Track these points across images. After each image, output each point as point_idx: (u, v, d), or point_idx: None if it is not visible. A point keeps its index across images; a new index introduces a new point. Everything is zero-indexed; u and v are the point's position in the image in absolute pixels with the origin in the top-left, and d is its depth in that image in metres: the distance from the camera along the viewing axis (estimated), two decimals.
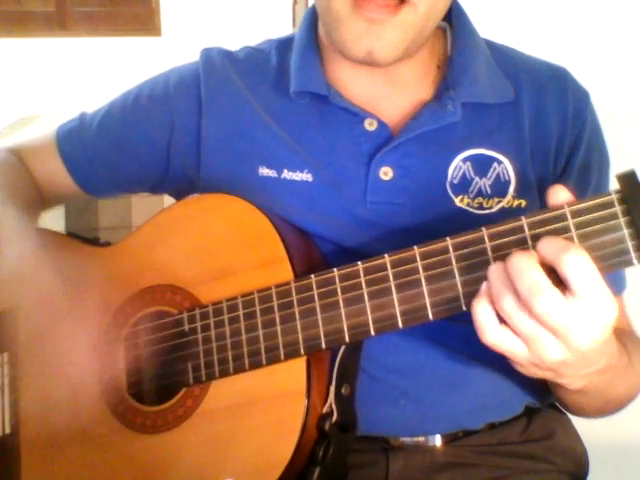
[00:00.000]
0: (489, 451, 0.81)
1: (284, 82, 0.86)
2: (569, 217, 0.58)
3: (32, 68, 3.57)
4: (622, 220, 0.57)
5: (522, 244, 0.60)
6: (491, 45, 0.87)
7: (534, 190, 0.81)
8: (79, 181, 0.95)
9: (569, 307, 0.56)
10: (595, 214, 0.57)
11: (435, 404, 0.80)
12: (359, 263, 0.67)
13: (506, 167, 0.80)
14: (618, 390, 0.74)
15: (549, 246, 0.57)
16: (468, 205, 0.79)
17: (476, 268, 0.62)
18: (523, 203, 0.80)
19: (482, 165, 0.80)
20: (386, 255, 0.66)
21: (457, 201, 0.80)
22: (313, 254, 0.80)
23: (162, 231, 0.83)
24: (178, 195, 0.95)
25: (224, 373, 0.73)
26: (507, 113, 0.82)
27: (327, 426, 0.70)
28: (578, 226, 0.58)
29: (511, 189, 0.80)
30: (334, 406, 0.71)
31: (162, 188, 0.96)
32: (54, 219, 1.79)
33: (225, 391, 0.73)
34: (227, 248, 0.77)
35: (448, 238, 0.63)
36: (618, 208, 0.57)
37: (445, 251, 0.63)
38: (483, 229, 0.62)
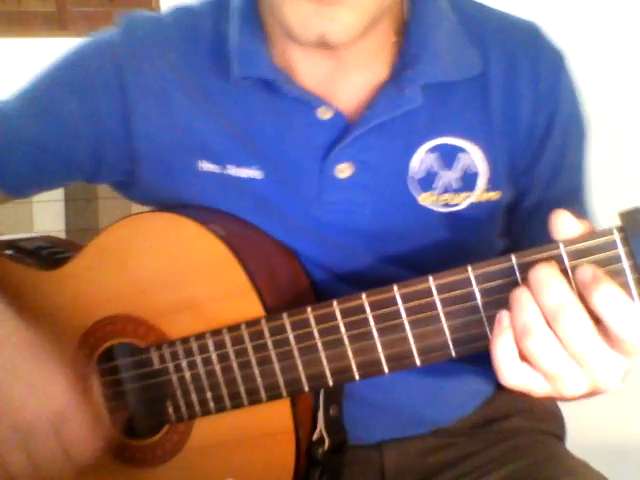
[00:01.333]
0: (478, 424, 0.81)
1: (222, 59, 0.73)
2: (566, 260, 0.50)
3: (32, 68, 3.54)
4: (625, 264, 0.49)
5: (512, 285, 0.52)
6: (455, 2, 0.76)
7: (507, 179, 0.73)
8: None
9: (600, 337, 0.49)
10: (595, 256, 0.50)
11: (416, 414, 0.78)
12: (335, 303, 0.61)
13: (475, 156, 0.72)
14: None
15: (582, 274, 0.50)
16: (433, 203, 0.72)
17: (463, 314, 0.56)
18: (496, 196, 0.73)
19: (448, 156, 0.72)
20: (364, 295, 0.60)
21: (421, 199, 0.72)
22: (286, 271, 0.73)
23: (111, 255, 0.74)
24: (120, 187, 0.84)
25: (206, 413, 0.69)
26: (474, 90, 0.73)
27: (320, 454, 0.67)
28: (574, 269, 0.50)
29: (481, 181, 0.73)
30: (324, 432, 0.68)
31: (98, 181, 0.82)
32: (54, 219, 1.74)
33: (211, 428, 0.70)
34: (184, 276, 0.70)
35: (431, 279, 0.56)
36: (620, 249, 0.49)
37: (429, 294, 0.56)
38: (469, 269, 0.54)
